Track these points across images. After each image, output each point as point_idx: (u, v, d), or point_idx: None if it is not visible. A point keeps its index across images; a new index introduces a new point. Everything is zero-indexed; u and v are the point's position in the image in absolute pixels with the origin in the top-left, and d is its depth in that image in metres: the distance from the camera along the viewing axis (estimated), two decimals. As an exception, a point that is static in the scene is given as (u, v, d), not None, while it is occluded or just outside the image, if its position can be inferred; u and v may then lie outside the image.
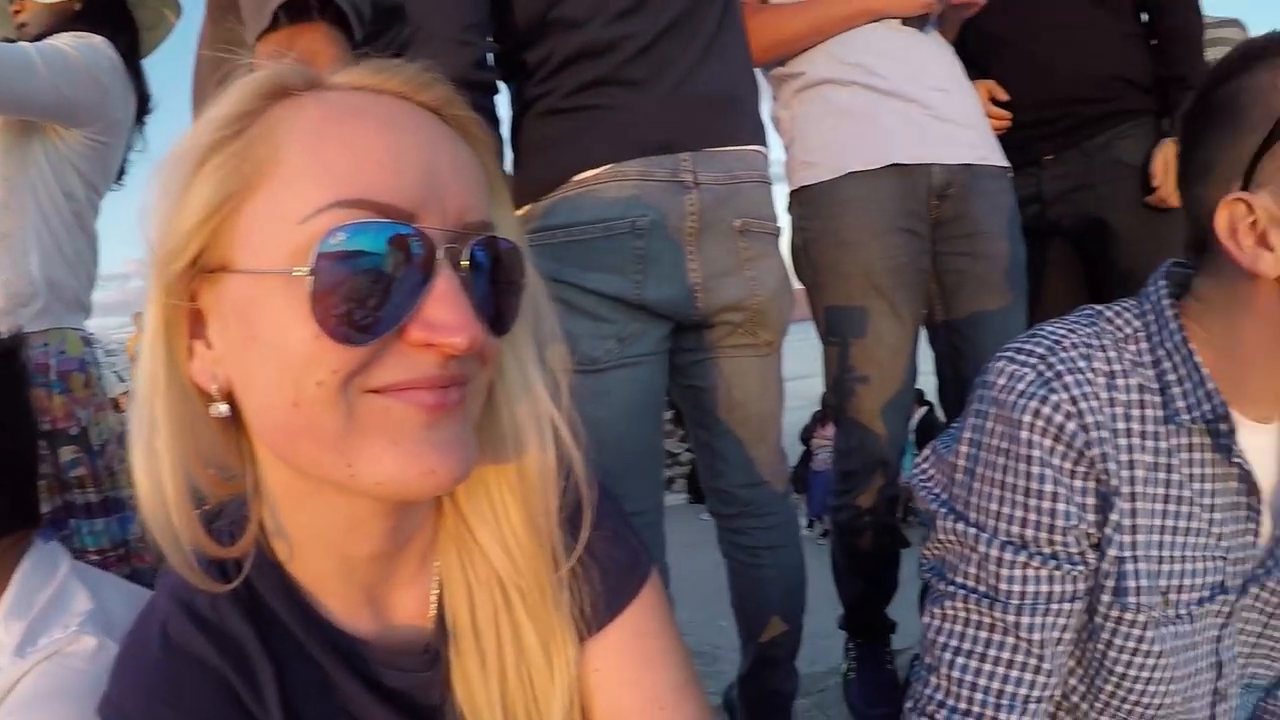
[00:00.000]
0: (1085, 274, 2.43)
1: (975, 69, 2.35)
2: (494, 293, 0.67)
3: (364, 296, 0.59)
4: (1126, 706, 0.97)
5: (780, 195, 2.09)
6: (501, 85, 1.74)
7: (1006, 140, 2.27)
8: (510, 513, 0.76)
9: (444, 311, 0.61)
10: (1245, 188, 0.86)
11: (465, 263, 0.63)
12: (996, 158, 2.10)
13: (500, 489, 0.76)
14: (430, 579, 0.80)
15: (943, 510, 1.01)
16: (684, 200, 1.67)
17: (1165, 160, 2.18)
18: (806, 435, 10.58)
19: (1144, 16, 2.32)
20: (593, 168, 1.64)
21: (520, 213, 1.69)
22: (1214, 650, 1.00)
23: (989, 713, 0.95)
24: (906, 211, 1.98)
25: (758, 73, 1.93)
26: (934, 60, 2.06)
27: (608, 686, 0.83)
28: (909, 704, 1.02)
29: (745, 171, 1.75)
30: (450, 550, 0.78)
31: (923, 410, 7.77)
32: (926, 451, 1.09)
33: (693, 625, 5.48)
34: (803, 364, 2.10)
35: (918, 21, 2.03)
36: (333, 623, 0.76)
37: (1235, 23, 3.12)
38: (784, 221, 1.92)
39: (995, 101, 2.35)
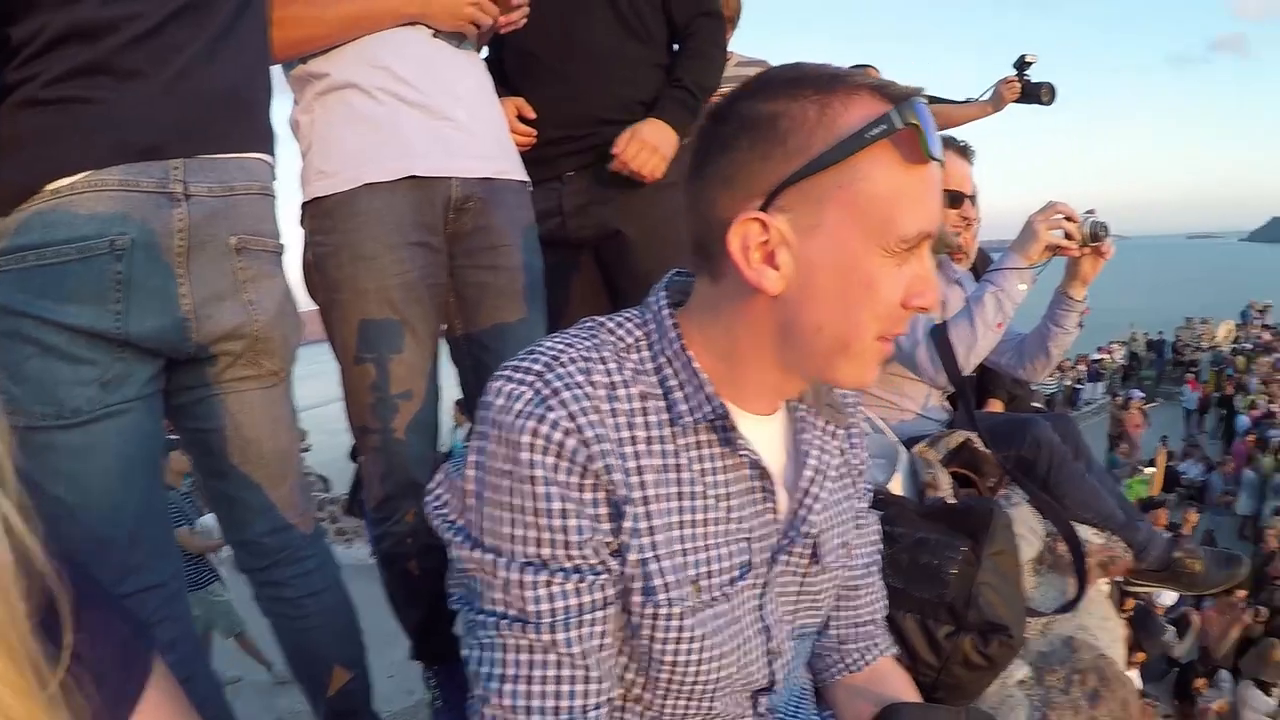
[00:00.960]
0: (604, 283, 2.54)
1: (507, 85, 2.38)
2: None
3: None
4: (686, 688, 1.01)
5: (293, 207, 1.95)
6: None
7: (532, 155, 2.30)
8: None
9: None
10: (764, 208, 0.91)
11: None
12: (517, 172, 2.11)
13: None
14: None
15: (459, 538, 0.99)
16: (172, 215, 1.48)
17: (632, 133, 2.28)
18: (356, 454, 10.14)
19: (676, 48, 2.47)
20: (69, 174, 1.40)
21: None
22: (759, 618, 1.07)
23: None
24: (421, 225, 1.91)
25: (276, 71, 1.78)
26: (463, 73, 2.01)
27: None
28: None
29: (245, 182, 1.59)
30: None
31: (469, 424, 7.83)
32: (439, 476, 1.06)
33: (290, 683, 5.13)
34: (337, 386, 1.97)
35: (453, 35, 1.98)
36: None
37: (762, 63, 3.46)
38: (291, 237, 1.79)
39: (523, 119, 2.37)
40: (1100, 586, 2.45)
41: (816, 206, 0.90)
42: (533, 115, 2.37)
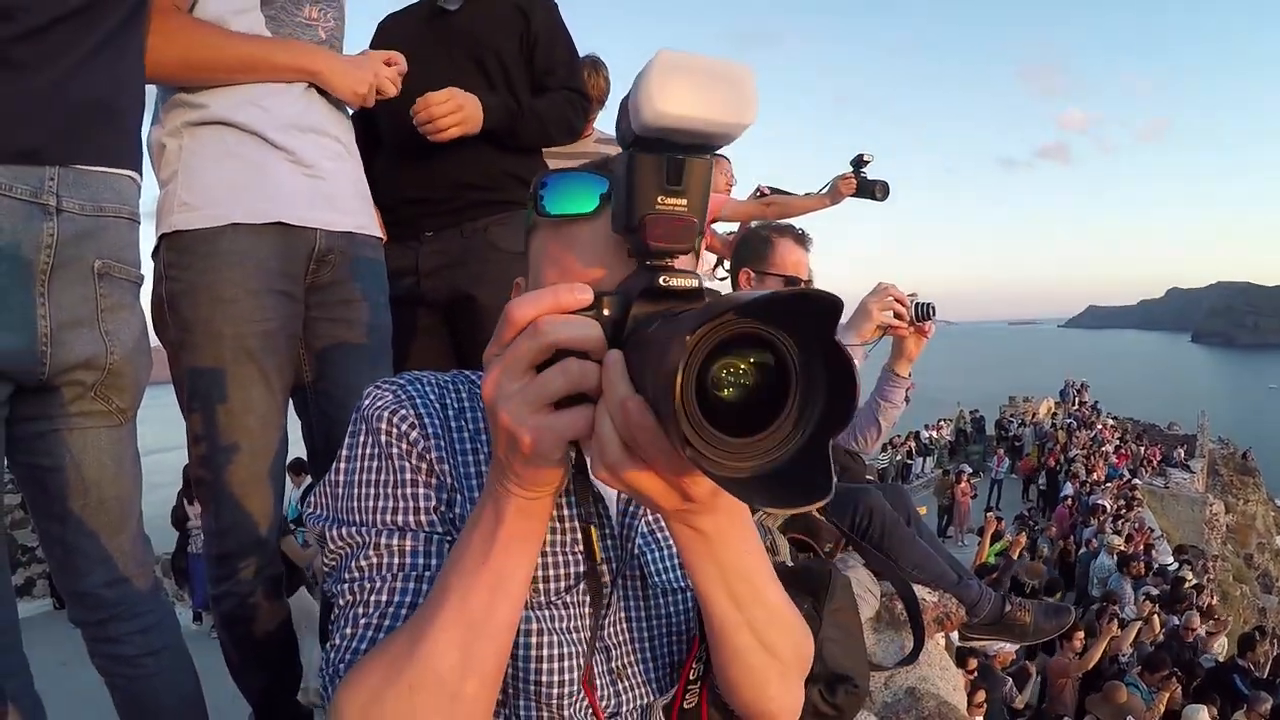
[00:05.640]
0: (452, 342, 2.54)
1: (378, 142, 2.42)
2: None
3: None
4: (530, 687, 1.04)
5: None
6: None
7: (393, 214, 2.35)
8: None
9: None
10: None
11: None
12: (374, 228, 2.12)
13: None
14: None
15: (328, 522, 1.08)
16: (43, 229, 1.41)
17: (451, 91, 2.22)
18: (179, 518, 9.48)
19: None
20: None
21: None
22: (599, 636, 1.11)
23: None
24: (284, 273, 1.88)
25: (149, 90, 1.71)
26: (333, 126, 2.01)
27: None
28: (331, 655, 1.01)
29: (114, 203, 1.52)
30: None
31: (308, 481, 7.55)
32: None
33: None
34: (166, 434, 1.88)
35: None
36: None
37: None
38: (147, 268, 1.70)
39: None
40: (937, 640, 2.57)
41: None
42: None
